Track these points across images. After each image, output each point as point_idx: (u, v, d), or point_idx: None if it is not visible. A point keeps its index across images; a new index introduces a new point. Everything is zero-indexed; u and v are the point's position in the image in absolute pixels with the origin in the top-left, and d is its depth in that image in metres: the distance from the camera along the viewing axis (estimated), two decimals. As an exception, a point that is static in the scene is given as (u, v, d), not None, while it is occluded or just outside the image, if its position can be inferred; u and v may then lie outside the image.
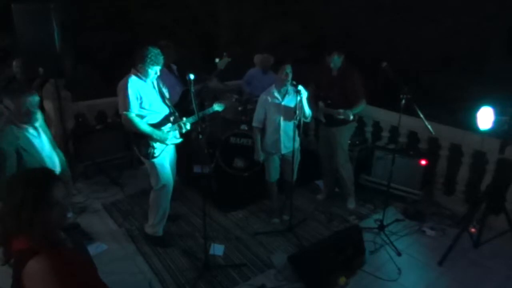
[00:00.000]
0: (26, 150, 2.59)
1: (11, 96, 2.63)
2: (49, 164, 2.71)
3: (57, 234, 1.56)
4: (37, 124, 2.73)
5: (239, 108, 5.10)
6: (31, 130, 2.69)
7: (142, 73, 3.23)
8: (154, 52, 3.16)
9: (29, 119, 2.66)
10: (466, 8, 9.41)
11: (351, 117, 3.91)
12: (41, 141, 2.75)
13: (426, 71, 9.56)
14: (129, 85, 3.18)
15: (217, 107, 3.81)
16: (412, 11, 10.21)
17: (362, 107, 4.03)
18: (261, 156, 3.86)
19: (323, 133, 4.32)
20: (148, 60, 3.14)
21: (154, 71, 3.23)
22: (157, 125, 3.37)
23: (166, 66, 4.04)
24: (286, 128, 3.74)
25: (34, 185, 1.44)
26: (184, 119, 3.53)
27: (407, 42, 10.02)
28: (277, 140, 3.77)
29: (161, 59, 3.21)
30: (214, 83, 5.85)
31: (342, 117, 3.87)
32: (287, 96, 3.71)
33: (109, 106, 5.26)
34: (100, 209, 4.28)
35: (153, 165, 3.42)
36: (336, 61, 3.94)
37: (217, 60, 4.36)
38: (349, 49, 4.21)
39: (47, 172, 1.55)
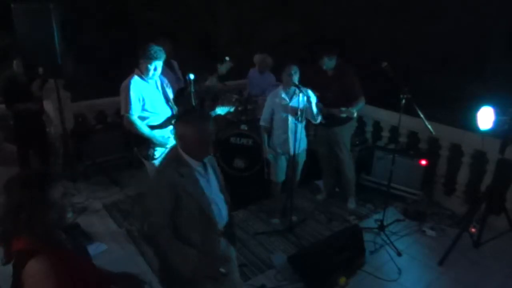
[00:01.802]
0: (187, 191, 1.91)
1: (189, 121, 1.96)
2: (215, 214, 2.03)
3: (56, 234, 1.56)
4: (205, 159, 2.07)
5: (239, 108, 5.10)
6: (198, 167, 2.01)
7: (143, 71, 3.22)
8: (156, 48, 3.16)
9: (206, 152, 2.01)
10: (466, 8, 9.41)
11: (355, 114, 3.90)
12: (208, 180, 2.06)
13: (426, 71, 9.56)
14: (131, 86, 3.16)
15: (219, 110, 3.79)
16: (412, 11, 10.21)
17: (362, 104, 4.02)
18: (269, 155, 3.86)
19: (322, 133, 4.31)
20: (149, 54, 3.13)
21: (154, 66, 3.20)
22: (159, 127, 3.36)
23: (166, 63, 4.03)
24: (294, 128, 3.73)
25: (30, 187, 1.45)
26: None
27: (407, 42, 10.03)
28: (286, 141, 3.75)
29: (162, 55, 3.20)
30: (214, 82, 5.84)
31: (345, 115, 3.86)
32: (294, 96, 3.71)
33: (109, 106, 5.26)
34: (100, 209, 4.28)
35: (154, 167, 3.41)
36: (327, 63, 3.94)
37: (219, 65, 4.23)
38: (349, 49, 4.20)
39: (42, 173, 1.55)
